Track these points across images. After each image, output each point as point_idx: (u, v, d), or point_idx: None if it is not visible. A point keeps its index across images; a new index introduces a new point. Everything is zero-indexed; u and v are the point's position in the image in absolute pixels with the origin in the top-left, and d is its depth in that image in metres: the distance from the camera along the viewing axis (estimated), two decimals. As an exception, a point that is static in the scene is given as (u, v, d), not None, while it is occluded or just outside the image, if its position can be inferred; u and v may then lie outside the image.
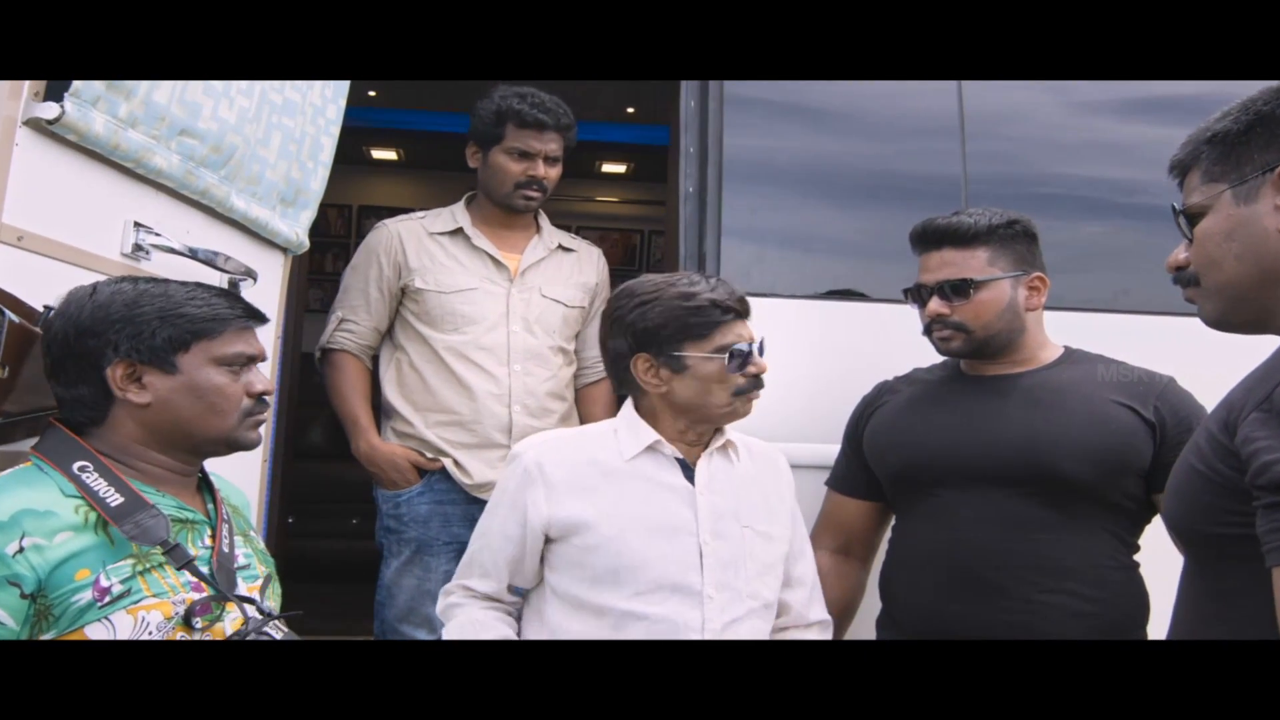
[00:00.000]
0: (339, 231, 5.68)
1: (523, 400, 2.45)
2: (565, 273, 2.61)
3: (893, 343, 2.45)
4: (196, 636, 1.33)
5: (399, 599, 2.43)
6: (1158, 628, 1.74)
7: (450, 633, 1.81)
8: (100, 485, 1.32)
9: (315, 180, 2.28)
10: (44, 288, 1.50)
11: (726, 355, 1.76)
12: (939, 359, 2.14)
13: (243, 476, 1.84)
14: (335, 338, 2.52)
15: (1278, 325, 1.18)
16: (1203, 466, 1.17)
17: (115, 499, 1.31)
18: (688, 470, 1.81)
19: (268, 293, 2.15)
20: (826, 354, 2.44)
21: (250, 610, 1.42)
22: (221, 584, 1.40)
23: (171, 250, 1.77)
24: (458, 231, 2.55)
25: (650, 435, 1.80)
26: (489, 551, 1.82)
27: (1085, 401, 1.91)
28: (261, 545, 1.63)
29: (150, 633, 1.29)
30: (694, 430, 1.82)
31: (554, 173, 2.57)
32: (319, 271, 5.09)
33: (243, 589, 1.46)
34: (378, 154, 5.90)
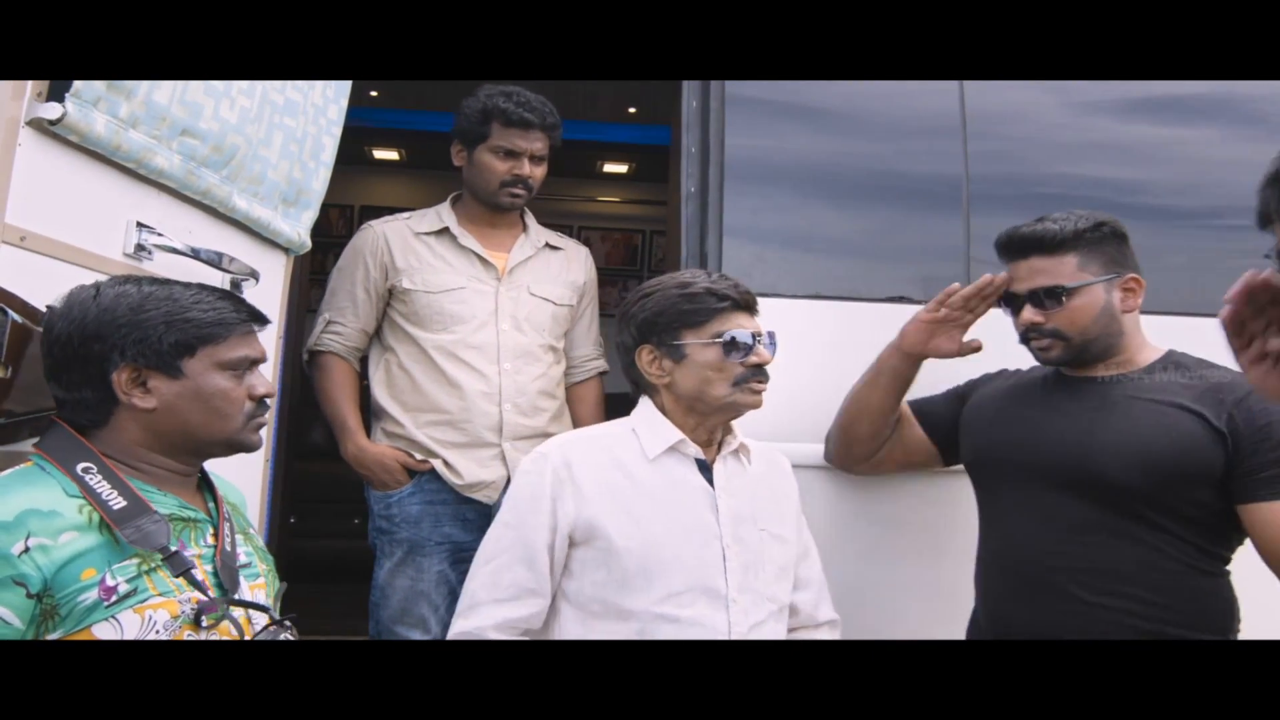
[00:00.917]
0: (340, 232, 5.68)
1: (513, 399, 2.45)
2: (553, 271, 2.62)
3: (886, 342, 2.46)
4: (203, 635, 1.33)
5: (393, 600, 2.44)
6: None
7: None
8: (103, 488, 1.31)
9: (317, 180, 2.28)
10: (47, 288, 1.50)
11: (723, 343, 1.77)
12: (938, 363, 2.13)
13: (244, 477, 1.84)
14: (322, 340, 2.52)
15: None
16: None
17: (118, 502, 1.30)
18: (707, 472, 1.82)
19: (270, 293, 2.15)
20: (828, 354, 2.43)
21: (258, 617, 1.43)
22: (225, 582, 1.41)
23: (174, 250, 1.77)
24: (444, 231, 2.55)
25: (674, 434, 1.80)
26: (520, 566, 1.75)
27: (1151, 408, 1.86)
28: (260, 542, 1.63)
29: (157, 631, 1.29)
30: (704, 427, 1.83)
31: (539, 171, 2.57)
32: (320, 271, 5.05)
33: (244, 587, 1.46)
34: (379, 154, 5.90)
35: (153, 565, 1.33)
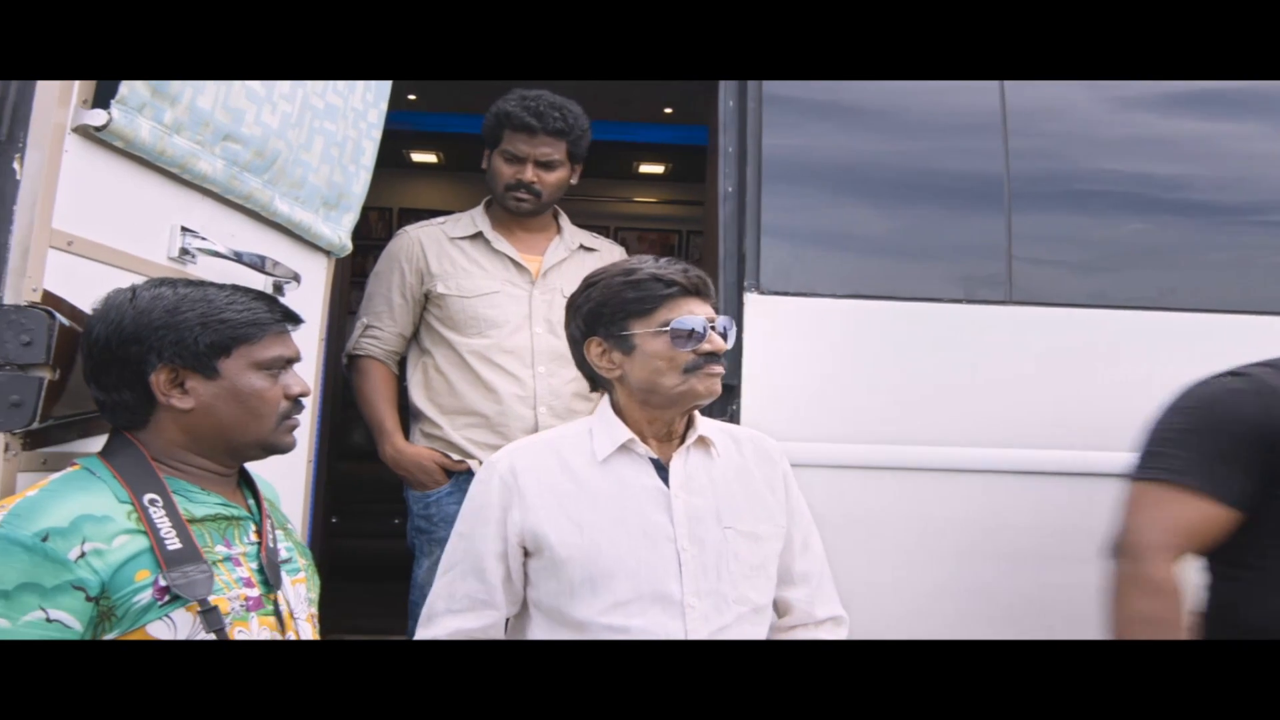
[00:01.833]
0: (380, 234, 5.73)
1: (548, 401, 2.46)
2: (588, 272, 2.61)
3: (931, 342, 2.44)
4: (252, 629, 1.37)
5: None
6: None
7: None
8: (164, 525, 1.33)
9: (357, 184, 2.30)
10: (93, 291, 1.52)
11: (670, 331, 1.65)
12: (961, 356, 2.07)
13: (287, 478, 1.87)
14: (361, 344, 2.55)
15: None
16: None
17: (173, 544, 1.32)
18: (663, 471, 1.71)
19: (311, 295, 2.18)
20: (866, 353, 2.42)
21: (299, 609, 1.48)
22: (270, 578, 1.43)
23: (217, 254, 1.79)
24: (478, 235, 2.56)
25: (623, 434, 1.71)
26: (472, 578, 1.71)
27: None
28: (299, 538, 1.65)
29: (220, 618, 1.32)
30: (662, 421, 1.71)
31: (551, 177, 2.55)
32: (360, 274, 5.11)
33: (286, 582, 1.48)
34: (417, 157, 5.95)
35: (211, 560, 1.36)
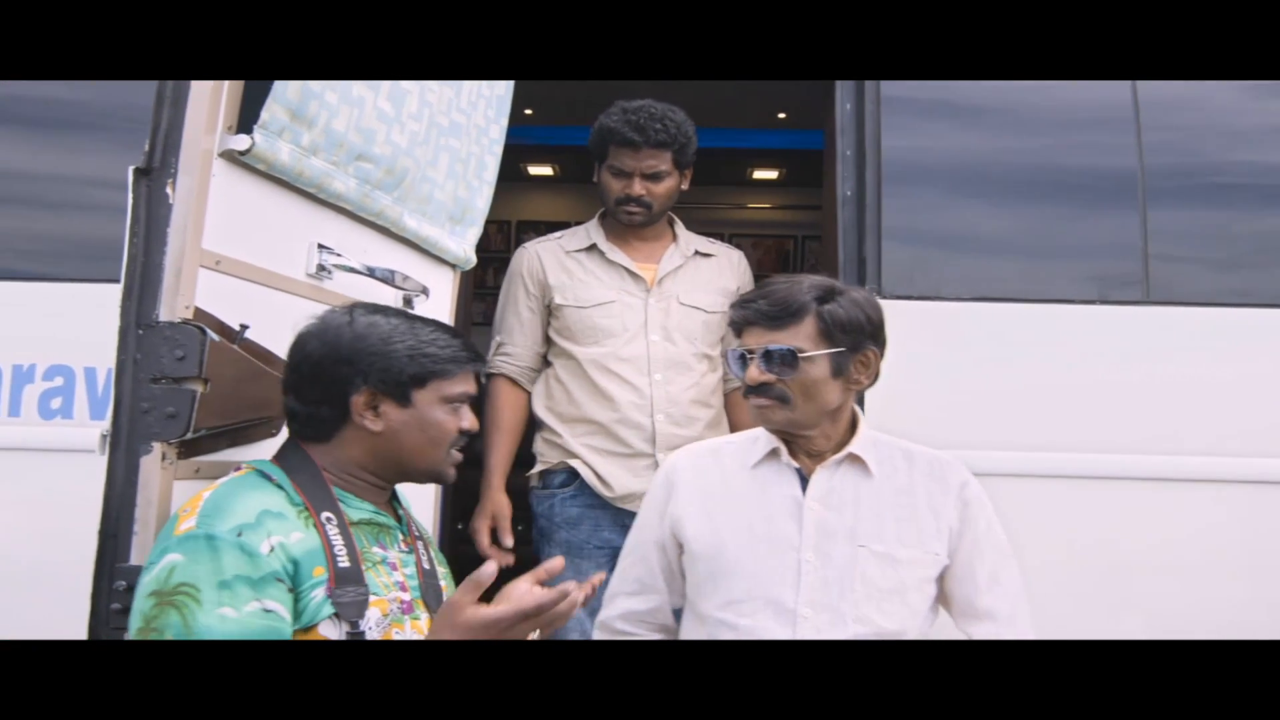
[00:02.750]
0: (499, 246, 5.85)
1: (665, 409, 2.46)
2: (704, 279, 2.61)
3: (1061, 345, 2.36)
4: (407, 630, 1.45)
5: None
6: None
7: None
8: (338, 543, 1.41)
9: (481, 198, 2.36)
10: (239, 308, 1.61)
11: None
12: (1097, 360, 2.00)
13: (421, 487, 1.92)
14: (493, 362, 2.59)
15: None
16: None
17: (344, 562, 1.40)
18: (807, 482, 1.72)
19: (438, 308, 2.24)
20: (992, 358, 2.36)
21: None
22: (430, 602, 1.52)
23: (351, 270, 1.86)
24: (592, 247, 2.59)
25: (771, 442, 1.74)
26: (641, 564, 1.81)
27: None
28: (436, 546, 1.73)
29: (370, 628, 1.40)
30: (795, 441, 1.72)
31: (660, 188, 2.55)
32: (482, 286, 5.25)
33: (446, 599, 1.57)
34: (534, 170, 6.05)
35: (368, 565, 1.44)
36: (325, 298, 1.85)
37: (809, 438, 1.71)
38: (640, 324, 2.51)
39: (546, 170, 6.03)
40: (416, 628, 1.48)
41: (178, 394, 1.47)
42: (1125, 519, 2.30)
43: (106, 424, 1.49)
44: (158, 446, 1.47)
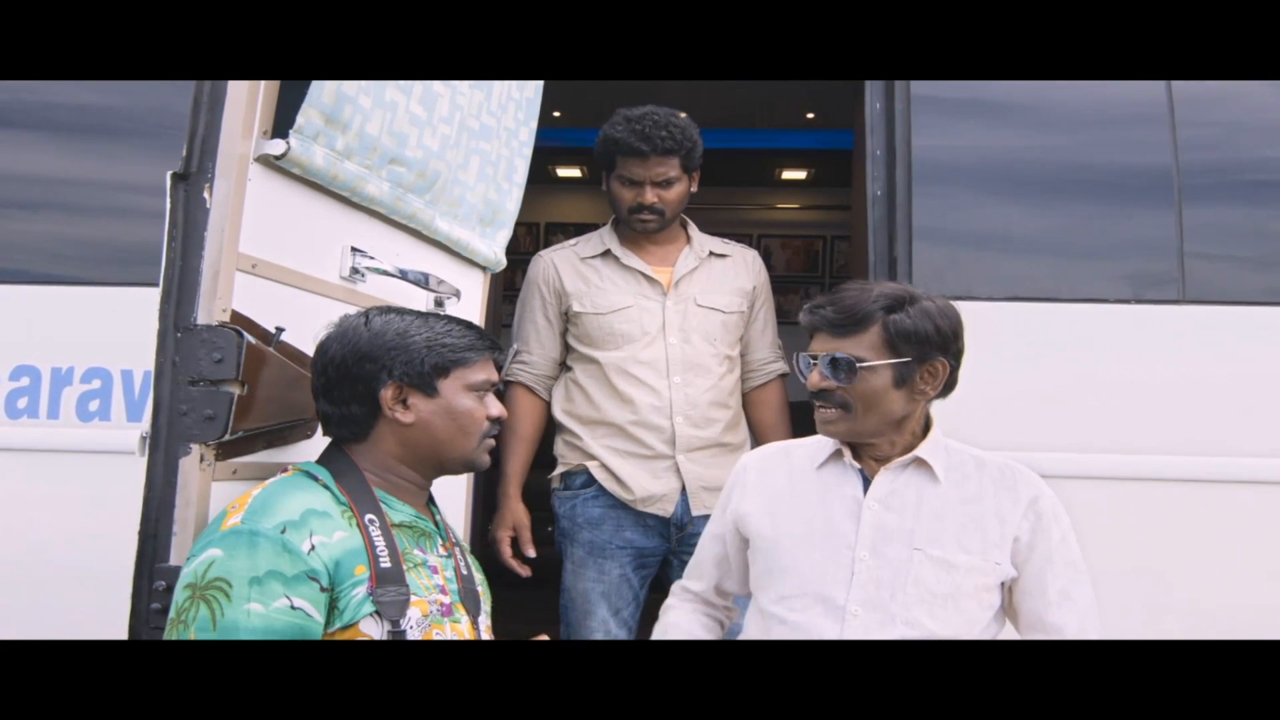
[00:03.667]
0: (528, 248, 5.84)
1: (684, 411, 2.46)
2: (719, 280, 2.61)
3: (1093, 345, 2.34)
4: (447, 631, 1.49)
5: (577, 602, 2.49)
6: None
7: (653, 634, 1.88)
8: (380, 543, 1.46)
9: (511, 201, 2.37)
10: (275, 311, 1.62)
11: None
12: (1132, 360, 1.98)
13: (449, 487, 1.93)
14: (511, 369, 2.60)
15: None
16: None
17: (385, 562, 1.44)
18: (870, 484, 1.72)
19: (469, 310, 2.26)
20: (1025, 359, 2.34)
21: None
22: (469, 607, 1.56)
23: (385, 272, 1.88)
24: (607, 253, 2.59)
25: (837, 443, 1.75)
26: (702, 550, 1.89)
27: None
28: (472, 554, 1.75)
29: (411, 627, 1.43)
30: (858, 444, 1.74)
31: (670, 194, 2.55)
32: (511, 288, 5.28)
33: (483, 604, 1.62)
34: (563, 172, 6.07)
35: (408, 565, 1.47)
36: (359, 300, 1.86)
37: (874, 444, 1.72)
38: (658, 327, 2.51)
39: (575, 172, 6.05)
40: (456, 630, 1.51)
41: (216, 396, 1.49)
42: (1162, 521, 2.27)
43: (145, 426, 1.51)
44: (196, 448, 1.49)
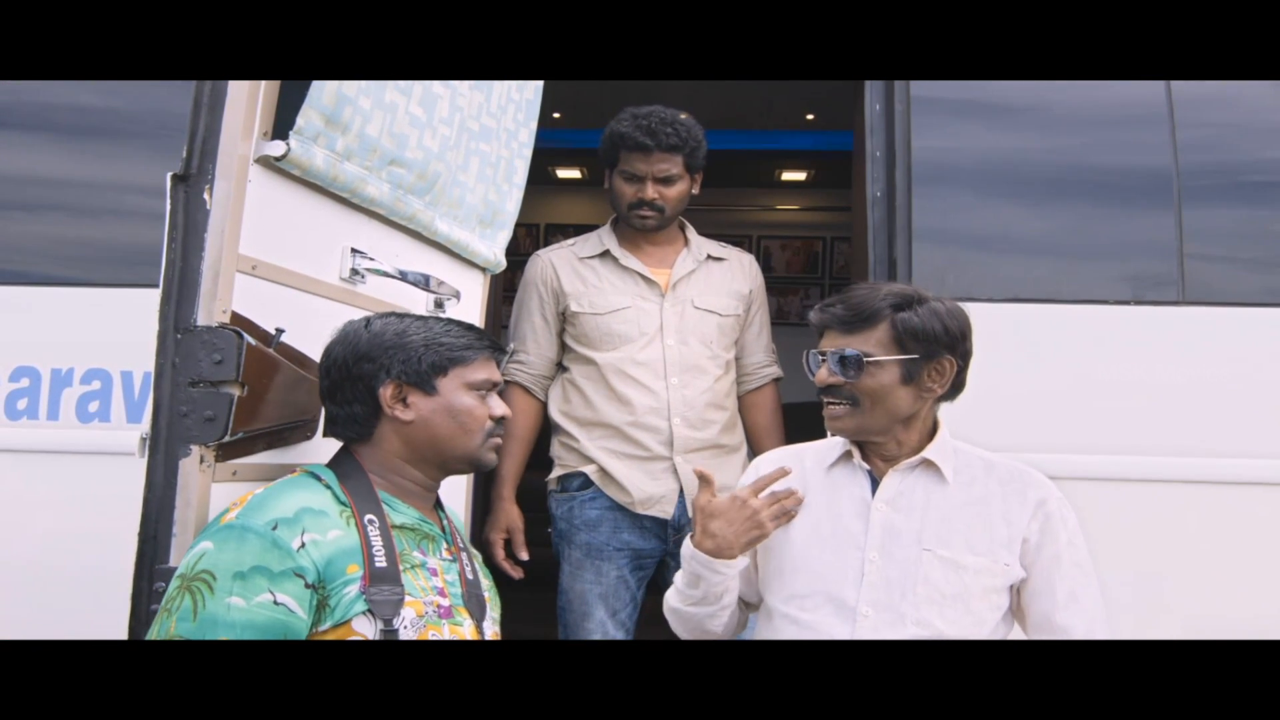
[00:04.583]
0: (527, 249, 5.79)
1: (682, 412, 2.47)
2: (717, 282, 2.62)
3: (1093, 346, 2.34)
4: (445, 632, 1.49)
5: (575, 603, 2.49)
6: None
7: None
8: (377, 543, 1.47)
9: (510, 202, 2.37)
10: (274, 312, 1.62)
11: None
12: (1131, 361, 1.99)
13: (450, 489, 1.93)
14: (507, 369, 2.60)
15: None
16: None
17: (381, 561, 1.46)
18: (879, 485, 1.74)
19: (469, 311, 2.26)
20: (1025, 360, 2.34)
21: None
22: (473, 610, 1.57)
23: (385, 274, 1.88)
24: (606, 254, 2.59)
25: (846, 444, 1.77)
26: None
27: None
28: (481, 560, 1.77)
29: (405, 626, 1.43)
30: (867, 443, 1.75)
31: (671, 192, 2.55)
32: (511, 289, 5.26)
33: (490, 610, 1.63)
34: (562, 173, 6.07)
35: (405, 566, 1.48)
36: (359, 301, 1.86)
37: (880, 443, 1.72)
38: (656, 328, 2.51)
39: (574, 173, 6.05)
40: (456, 632, 1.51)
41: (216, 397, 1.49)
42: (1162, 522, 2.27)
43: (145, 427, 1.51)
44: (196, 449, 1.49)
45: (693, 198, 2.63)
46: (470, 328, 1.66)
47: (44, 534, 2.18)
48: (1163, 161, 2.42)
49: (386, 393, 1.56)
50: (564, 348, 2.60)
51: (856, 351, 1.65)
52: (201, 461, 1.49)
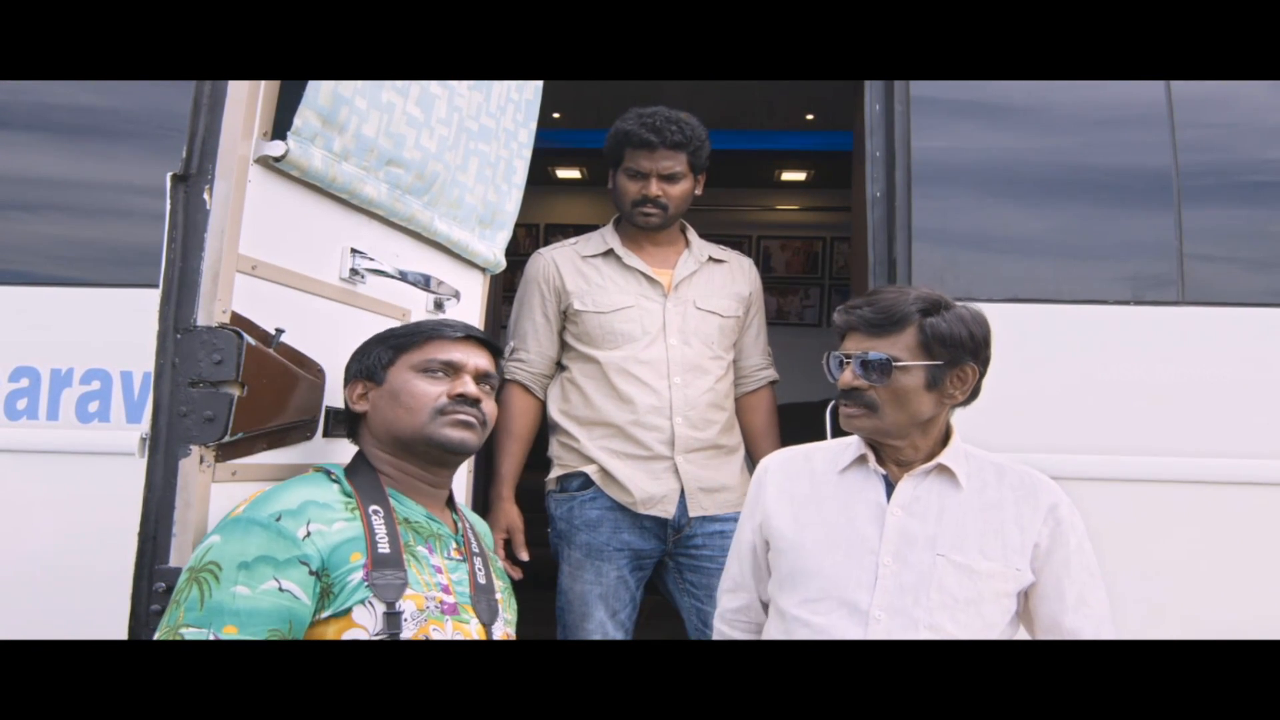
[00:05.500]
0: (527, 249, 5.79)
1: (684, 412, 2.47)
2: (718, 284, 2.63)
3: (1093, 347, 2.34)
4: (447, 629, 1.51)
5: (575, 604, 2.49)
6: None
7: None
8: (380, 532, 1.52)
9: (510, 202, 2.37)
10: (274, 312, 1.62)
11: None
12: (1131, 361, 1.99)
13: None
14: (507, 368, 2.59)
15: None
16: None
17: (384, 548, 1.50)
18: (893, 489, 1.73)
19: (469, 311, 2.25)
20: (1025, 360, 2.34)
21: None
22: (482, 614, 1.59)
23: (384, 274, 1.88)
24: (609, 252, 2.59)
25: (861, 448, 1.76)
26: (735, 561, 1.89)
27: None
28: (500, 566, 1.81)
29: (405, 620, 1.46)
30: (886, 447, 1.74)
31: (675, 190, 2.56)
32: (510, 289, 5.26)
33: (503, 612, 1.66)
34: (562, 173, 6.07)
35: (413, 558, 1.52)
36: (359, 302, 1.86)
37: (898, 447, 1.72)
38: (659, 328, 2.51)
39: (574, 173, 6.05)
40: (460, 629, 1.53)
41: (215, 397, 1.49)
42: (1162, 522, 2.27)
43: (145, 427, 1.51)
44: (196, 449, 1.49)
45: (693, 198, 2.63)
46: (449, 322, 1.73)
47: (44, 534, 2.18)
48: (1163, 161, 2.42)
49: (352, 392, 1.67)
50: (563, 347, 2.60)
51: (884, 355, 1.65)
52: (201, 462, 1.49)
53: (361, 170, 1.82)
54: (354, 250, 1.84)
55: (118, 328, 2.22)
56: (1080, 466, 2.26)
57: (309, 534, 1.44)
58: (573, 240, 2.69)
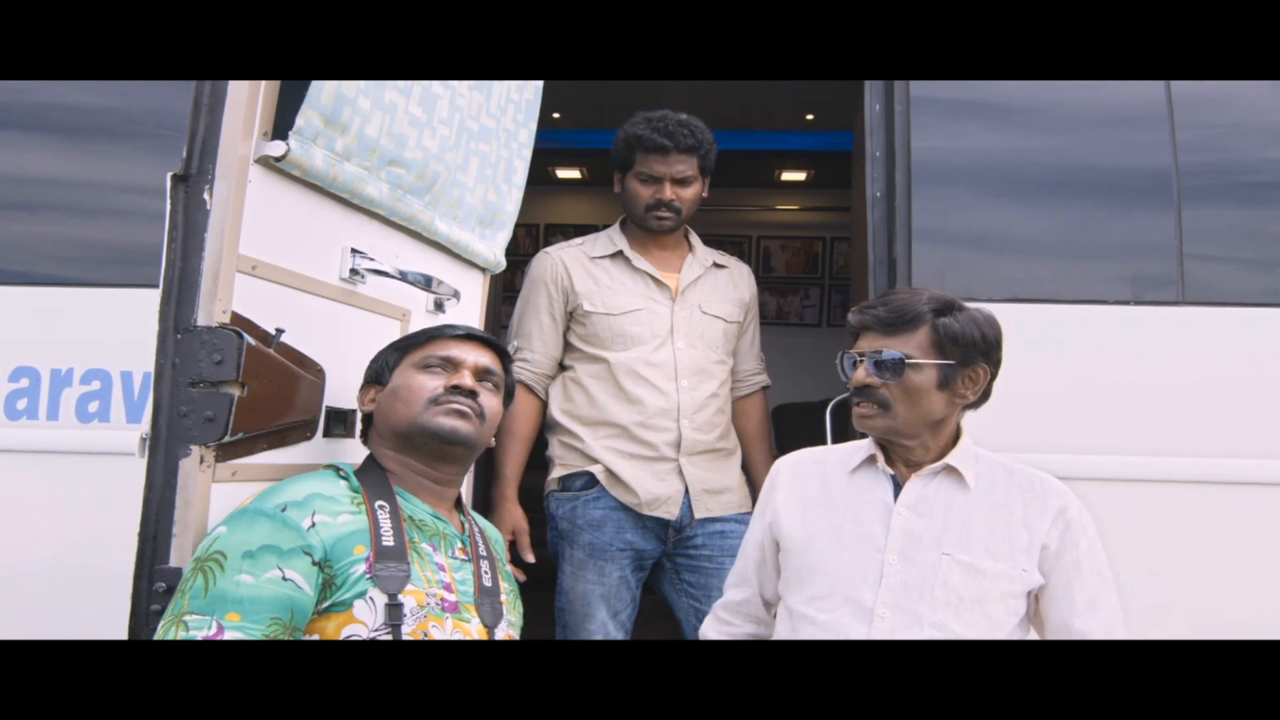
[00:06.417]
0: (527, 250, 5.84)
1: (690, 415, 2.47)
2: (721, 289, 2.64)
3: (1093, 347, 2.34)
4: (447, 626, 1.53)
5: (576, 604, 2.48)
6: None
7: None
8: (385, 525, 1.55)
9: (510, 202, 2.37)
10: (275, 312, 1.62)
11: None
12: (1131, 361, 1.99)
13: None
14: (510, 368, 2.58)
15: None
16: None
17: (389, 541, 1.53)
18: (900, 489, 1.75)
19: (469, 311, 2.25)
20: (1025, 360, 2.33)
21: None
22: (485, 616, 1.61)
23: (384, 274, 1.88)
24: (618, 254, 2.60)
25: (871, 448, 1.78)
26: (742, 558, 1.92)
27: None
28: (508, 569, 1.84)
29: (405, 615, 1.48)
30: (894, 446, 1.75)
31: (687, 193, 2.58)
32: (510, 289, 5.27)
33: (507, 614, 1.68)
34: (562, 173, 6.06)
35: (416, 554, 1.54)
36: (359, 302, 1.87)
37: (908, 448, 1.73)
38: (667, 331, 2.52)
39: (574, 173, 6.05)
40: (461, 628, 1.55)
41: (215, 397, 1.49)
42: (1162, 522, 2.27)
43: (145, 427, 1.51)
44: (196, 450, 1.49)
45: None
46: (451, 326, 1.80)
47: (44, 535, 2.18)
48: (1163, 161, 2.42)
49: (363, 397, 1.75)
50: (566, 347, 2.60)
51: (897, 354, 1.67)
52: (201, 462, 1.49)
53: (363, 170, 1.82)
54: (354, 250, 1.84)
55: (118, 328, 2.22)
56: (1080, 466, 2.25)
57: (314, 525, 1.47)
58: (578, 241, 2.68)
